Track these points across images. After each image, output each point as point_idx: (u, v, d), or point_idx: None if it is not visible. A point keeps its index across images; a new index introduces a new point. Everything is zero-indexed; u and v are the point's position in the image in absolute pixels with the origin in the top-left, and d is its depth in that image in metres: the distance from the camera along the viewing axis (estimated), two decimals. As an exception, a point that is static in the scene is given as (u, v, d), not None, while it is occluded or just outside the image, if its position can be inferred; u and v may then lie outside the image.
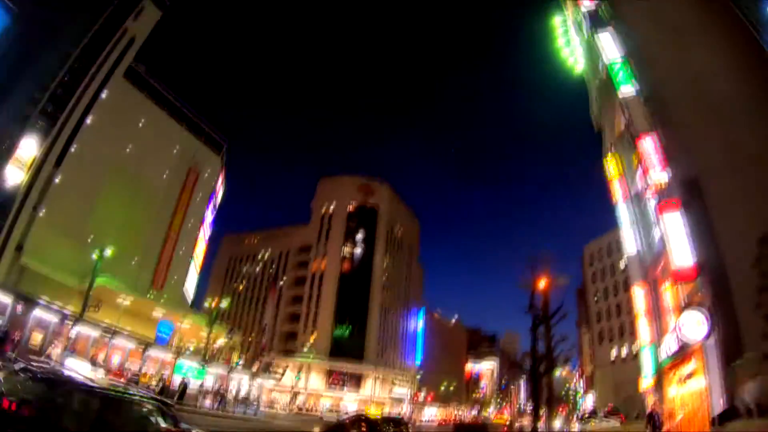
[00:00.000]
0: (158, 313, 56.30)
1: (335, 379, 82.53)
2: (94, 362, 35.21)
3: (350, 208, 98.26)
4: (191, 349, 60.33)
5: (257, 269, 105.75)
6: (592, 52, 36.99)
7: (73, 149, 53.95)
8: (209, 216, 78.80)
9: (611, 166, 38.79)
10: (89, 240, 53.90)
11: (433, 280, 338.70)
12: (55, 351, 33.67)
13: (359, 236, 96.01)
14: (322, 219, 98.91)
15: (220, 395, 44.94)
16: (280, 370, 78.22)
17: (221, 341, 67.14)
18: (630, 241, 36.11)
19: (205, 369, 45.30)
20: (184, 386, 39.29)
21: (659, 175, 22.54)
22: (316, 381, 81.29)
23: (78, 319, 37.02)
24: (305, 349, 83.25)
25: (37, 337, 34.28)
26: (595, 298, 79.15)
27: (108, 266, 51.06)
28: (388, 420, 27.45)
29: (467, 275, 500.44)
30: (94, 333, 37.21)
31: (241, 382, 51.51)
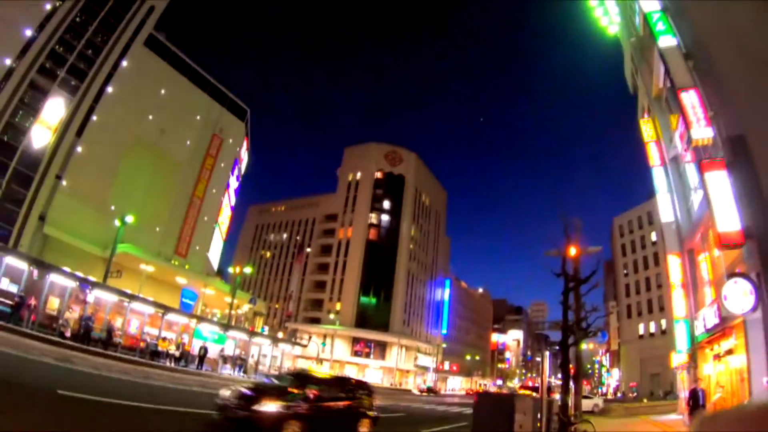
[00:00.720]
0: (182, 280, 56.60)
1: (360, 347, 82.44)
2: (111, 328, 34.87)
3: (377, 175, 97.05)
4: (217, 315, 60.93)
5: (283, 237, 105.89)
6: (627, 9, 34.76)
7: (94, 118, 53.70)
8: (234, 183, 78.43)
9: (647, 128, 36.61)
10: (112, 209, 53.80)
11: (459, 251, 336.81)
12: (72, 316, 33.42)
13: (386, 204, 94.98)
14: (349, 187, 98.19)
15: (240, 361, 44.84)
16: (306, 337, 78.56)
17: (245, 308, 67.63)
18: (666, 209, 33.95)
19: (225, 335, 45.14)
20: (203, 352, 39.22)
21: (703, 131, 20.20)
22: (340, 349, 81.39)
23: (95, 284, 36.82)
24: (331, 317, 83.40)
25: (54, 303, 34.13)
26: (625, 272, 76.67)
27: (131, 234, 51.51)
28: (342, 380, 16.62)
29: (494, 248, 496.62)
30: (112, 298, 36.83)
31: (262, 349, 51.24)
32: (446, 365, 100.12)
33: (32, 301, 32.12)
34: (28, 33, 47.15)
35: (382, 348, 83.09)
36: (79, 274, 38.79)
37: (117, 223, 42.53)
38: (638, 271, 73.62)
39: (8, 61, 45.76)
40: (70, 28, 51.04)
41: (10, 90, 46.05)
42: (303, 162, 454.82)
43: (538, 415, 15.66)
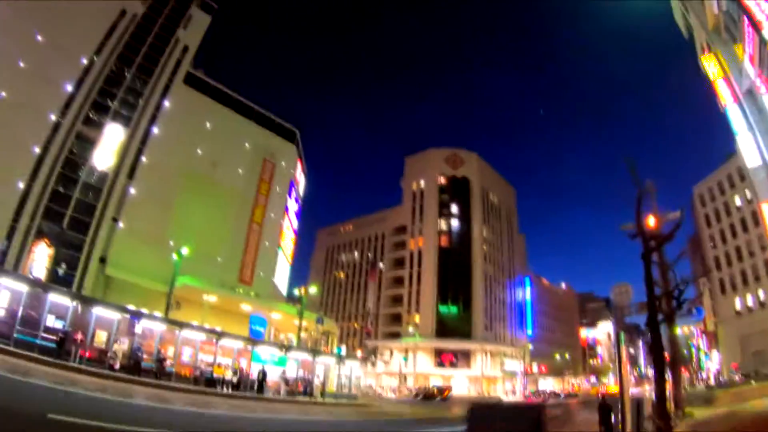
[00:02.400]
0: (246, 307, 56.55)
1: (443, 358, 79.17)
2: (162, 357, 34.40)
3: (441, 181, 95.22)
4: (293, 342, 60.41)
5: (355, 256, 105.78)
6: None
7: (144, 160, 55.46)
8: (293, 205, 78.61)
9: (711, 64, 32.02)
10: (171, 244, 54.82)
11: (536, 247, 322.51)
12: (121, 348, 33.25)
13: (454, 209, 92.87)
14: (414, 197, 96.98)
15: (305, 382, 43.31)
16: (387, 354, 76.62)
17: (331, 332, 66.88)
18: (750, 151, 29.40)
19: (286, 356, 43.87)
20: (262, 375, 37.92)
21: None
22: (423, 362, 78.58)
23: (142, 315, 36.85)
24: (410, 330, 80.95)
25: (101, 336, 34.28)
26: (712, 244, 68.55)
27: (192, 267, 52.03)
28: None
29: (572, 238, 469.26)
30: (161, 328, 36.63)
31: (329, 368, 49.48)
32: (534, 367, 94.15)
33: (79, 336, 32.30)
34: (69, 88, 49.58)
35: (466, 356, 79.44)
36: (131, 306, 39.29)
37: (174, 256, 43.17)
38: (727, 241, 66.94)
39: (53, 117, 48.23)
40: (108, 78, 53.38)
41: (59, 143, 48.47)
42: (366, 177, 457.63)
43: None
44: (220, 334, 40.85)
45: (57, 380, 20.76)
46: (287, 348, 45.25)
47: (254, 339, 45.14)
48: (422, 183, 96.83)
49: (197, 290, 52.18)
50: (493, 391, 77.46)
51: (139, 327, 36.50)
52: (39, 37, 47.68)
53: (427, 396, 63.50)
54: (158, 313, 40.63)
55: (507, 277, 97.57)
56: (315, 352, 49.24)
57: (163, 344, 37.61)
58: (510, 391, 75.08)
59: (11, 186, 44.99)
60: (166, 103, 58.34)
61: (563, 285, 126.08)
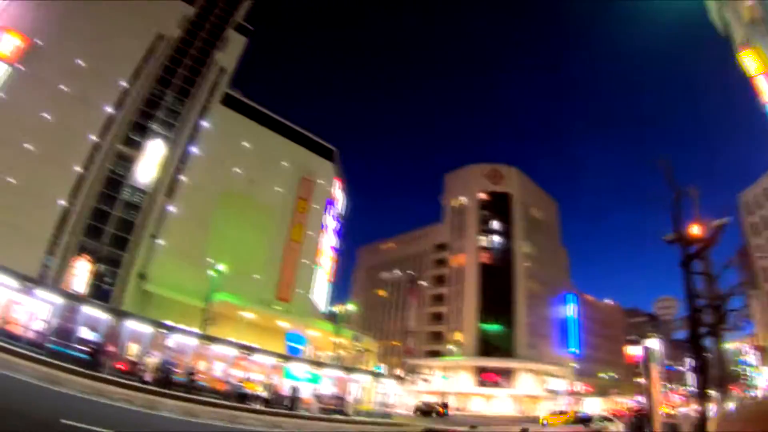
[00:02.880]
0: (283, 323, 56.20)
1: (485, 377, 76.53)
2: (192, 371, 34.17)
3: (481, 197, 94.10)
4: (329, 357, 59.61)
5: (396, 274, 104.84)
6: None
7: (182, 179, 56.55)
8: (332, 223, 78.30)
9: (751, 59, 30.18)
10: (209, 261, 55.30)
11: (579, 264, 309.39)
12: (153, 361, 33.30)
13: (495, 225, 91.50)
14: (454, 213, 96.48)
15: (338, 400, 42.31)
16: (428, 372, 74.78)
17: (369, 350, 65.80)
18: None
19: (320, 373, 43.06)
20: (294, 392, 37.27)
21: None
22: (465, 381, 76.19)
23: (174, 329, 36.92)
24: (451, 349, 78.91)
25: (133, 349, 34.55)
26: (760, 255, 64.25)
27: (230, 284, 52.32)
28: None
29: (615, 253, 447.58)
30: (192, 342, 36.60)
31: (364, 386, 48.30)
32: (578, 386, 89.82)
33: (111, 348, 32.57)
34: (109, 110, 51.23)
35: (508, 375, 76.51)
36: (169, 322, 39.54)
37: (212, 273, 43.48)
38: (777, 251, 61.63)
39: (94, 138, 49.81)
40: (147, 100, 55.10)
41: (99, 163, 50.01)
42: (406, 195, 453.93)
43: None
44: (252, 350, 40.54)
45: (84, 389, 20.76)
46: (320, 365, 44.49)
47: (288, 355, 44.49)
48: (462, 199, 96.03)
49: (234, 306, 52.37)
50: (536, 411, 74.37)
51: (171, 341, 36.66)
52: (80, 62, 49.60)
53: (425, 412, 61.65)
54: (192, 328, 40.66)
55: (550, 294, 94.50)
56: (349, 369, 48.23)
57: (195, 359, 37.58)
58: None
59: (53, 204, 46.48)
60: (204, 124, 59.63)
61: (608, 301, 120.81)
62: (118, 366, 31.35)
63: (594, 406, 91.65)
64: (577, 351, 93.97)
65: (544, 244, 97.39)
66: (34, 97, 46.28)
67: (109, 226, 50.23)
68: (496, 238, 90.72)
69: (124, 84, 52.94)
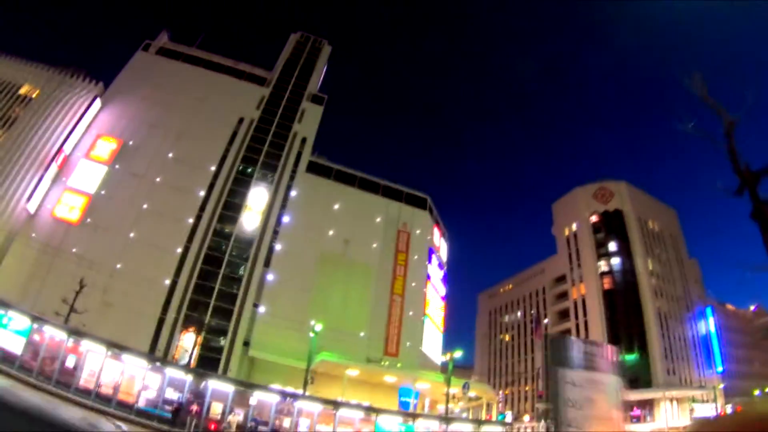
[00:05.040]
0: (390, 378, 54.79)
1: (624, 412, 67.45)
2: (276, 429, 34.07)
3: (592, 220, 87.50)
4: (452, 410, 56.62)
5: (518, 315, 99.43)
6: None
7: (278, 247, 59.37)
8: (436, 272, 76.57)
9: None
10: (311, 324, 56.36)
11: (713, 272, 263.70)
12: (236, 419, 33.78)
13: (612, 247, 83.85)
14: (568, 242, 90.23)
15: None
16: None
17: (472, 395, 61.70)
18: None
19: (413, 425, 40.46)
20: None
21: None
22: (604, 420, 67.34)
23: (255, 386, 37.32)
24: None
25: (217, 408, 35.27)
26: None
27: (335, 344, 53.10)
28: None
29: (752, 254, 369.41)
30: (274, 399, 36.62)
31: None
32: (729, 409, 74.55)
33: (194, 407, 33.75)
34: (201, 194, 56.25)
35: (647, 408, 66.89)
36: (276, 385, 40.24)
37: (312, 335, 44.44)
38: None
39: (191, 220, 54.70)
40: (236, 179, 59.72)
41: (198, 241, 54.53)
42: (516, 232, 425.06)
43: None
44: (338, 404, 39.46)
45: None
46: (414, 416, 41.87)
47: (374, 408, 42.34)
48: (574, 227, 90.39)
49: (336, 365, 52.12)
50: None
51: (254, 399, 36.98)
52: (170, 155, 55.67)
53: None
54: (277, 386, 40.92)
55: (684, 310, 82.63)
56: (447, 419, 44.80)
57: (279, 416, 37.40)
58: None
59: (160, 284, 51.00)
60: (293, 193, 62.69)
61: (753, 308, 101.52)
62: (210, 426, 32.23)
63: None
64: (722, 369, 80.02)
65: (669, 257, 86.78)
66: (132, 190, 52.64)
67: (213, 299, 53.66)
68: (616, 261, 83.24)
69: (212, 168, 58.06)
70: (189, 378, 35.09)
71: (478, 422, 48.13)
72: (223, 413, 35.07)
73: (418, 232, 72.70)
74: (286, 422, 37.51)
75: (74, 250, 50.20)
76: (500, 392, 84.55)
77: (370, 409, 40.89)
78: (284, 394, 38.45)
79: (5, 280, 47.04)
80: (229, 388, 36.17)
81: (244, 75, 69.08)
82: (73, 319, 41.26)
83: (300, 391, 42.00)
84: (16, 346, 30.07)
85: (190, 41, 72.96)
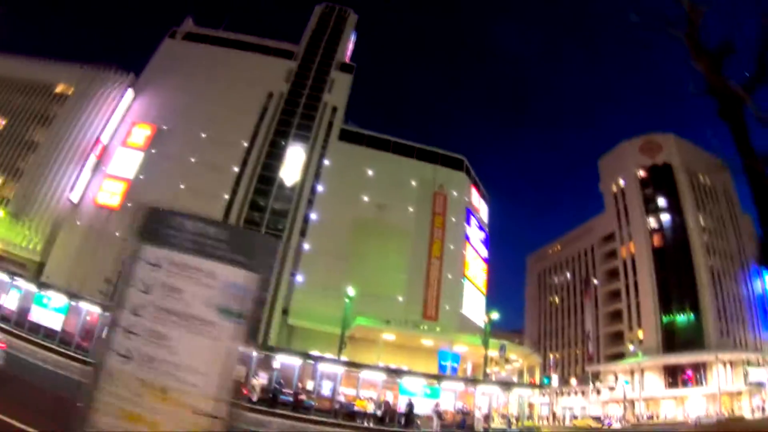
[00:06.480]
0: (427, 341, 55.73)
1: (676, 376, 65.57)
2: (298, 391, 35.91)
3: (640, 175, 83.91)
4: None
5: (567, 277, 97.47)
6: None
7: (313, 216, 61.13)
8: (476, 233, 76.03)
9: None
10: (348, 290, 58.05)
11: None
12: (260, 381, 35.53)
13: (661, 202, 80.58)
14: (616, 199, 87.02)
15: (462, 414, 39.89)
16: (612, 379, 67.25)
17: (518, 361, 61.93)
18: None
19: (440, 387, 41.37)
20: (409, 408, 36.42)
21: None
22: (652, 383, 66.31)
23: (278, 350, 39.40)
24: (632, 349, 69.64)
25: (240, 371, 37.30)
26: None
27: (373, 309, 54.84)
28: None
29: None
30: (297, 362, 38.51)
31: (495, 399, 44.64)
32: None
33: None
34: (236, 170, 58.76)
35: (700, 371, 64.49)
36: (315, 351, 42.23)
37: (347, 301, 46.29)
38: None
39: (227, 196, 57.52)
40: (269, 153, 61.58)
41: (235, 213, 57.38)
42: (563, 191, 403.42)
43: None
44: (360, 367, 40.87)
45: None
46: (440, 378, 42.75)
47: (395, 371, 43.33)
48: (621, 182, 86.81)
49: (371, 329, 53.52)
50: (738, 410, 60.46)
51: (277, 362, 39.01)
52: (203, 135, 58.24)
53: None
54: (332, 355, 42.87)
55: (738, 269, 77.70)
56: (474, 381, 45.47)
57: (302, 378, 39.18)
58: (758, 408, 57.28)
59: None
60: (326, 162, 63.85)
61: None
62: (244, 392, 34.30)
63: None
64: None
65: (721, 213, 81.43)
66: (169, 172, 55.73)
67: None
68: (665, 217, 79.61)
69: (245, 144, 60.18)
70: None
71: (508, 384, 48.54)
72: (247, 376, 37.39)
73: (455, 193, 72.00)
74: (310, 384, 39.45)
75: (117, 233, 54.35)
76: (552, 356, 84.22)
77: (392, 371, 42.16)
78: (307, 356, 40.34)
79: (54, 267, 51.83)
80: (252, 353, 38.38)
81: (271, 50, 70.10)
82: (117, 297, 44.79)
83: (327, 355, 43.89)
84: (55, 322, 33.57)
85: (215, 24, 75.12)
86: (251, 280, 5.20)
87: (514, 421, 45.46)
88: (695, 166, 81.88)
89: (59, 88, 64.54)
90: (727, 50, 9.35)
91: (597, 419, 64.83)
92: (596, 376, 71.99)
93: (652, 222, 79.76)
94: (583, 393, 75.90)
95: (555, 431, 62.05)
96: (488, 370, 54.77)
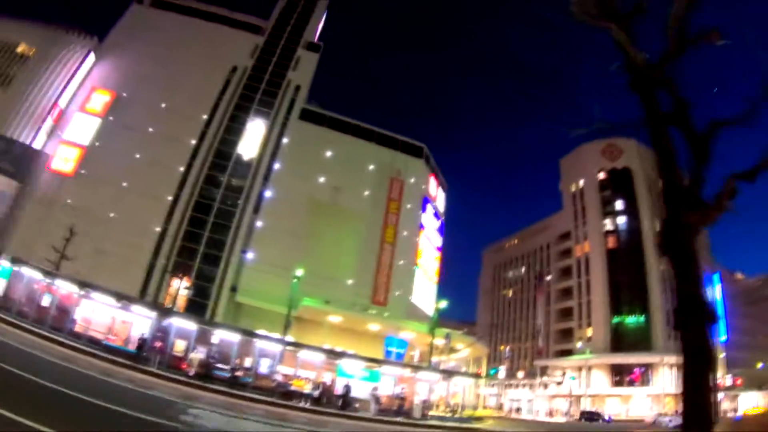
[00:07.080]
0: (374, 326, 55.89)
1: (621, 375, 67.60)
2: (235, 367, 35.62)
3: (600, 177, 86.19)
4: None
5: (522, 272, 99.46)
6: None
7: (267, 194, 60.37)
8: (431, 222, 76.19)
9: None
10: (298, 272, 57.60)
11: (723, 239, 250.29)
12: (197, 356, 35.18)
13: (618, 205, 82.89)
14: (574, 199, 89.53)
15: (400, 401, 40.01)
16: (558, 374, 68.65)
17: (464, 350, 62.55)
18: None
19: (379, 371, 41.50)
20: (347, 390, 36.27)
21: None
22: (598, 381, 68.01)
23: (217, 325, 39.04)
24: (579, 346, 71.45)
25: (180, 345, 36.96)
26: None
27: (321, 290, 54.38)
28: None
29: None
30: (236, 338, 38.22)
31: (433, 386, 44.96)
32: (728, 380, 72.74)
33: (158, 344, 35.66)
34: (193, 142, 57.66)
35: (646, 372, 66.55)
36: (262, 331, 41.78)
37: (295, 281, 45.84)
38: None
39: (182, 169, 56.37)
40: (228, 127, 60.57)
41: (189, 189, 56.29)
42: (524, 187, 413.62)
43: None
44: (299, 346, 40.65)
45: (136, 382, 22.83)
46: (381, 362, 42.89)
47: (335, 352, 43.31)
48: (581, 183, 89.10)
49: (319, 311, 53.38)
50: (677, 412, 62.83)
51: (216, 337, 38.64)
52: (163, 105, 57.03)
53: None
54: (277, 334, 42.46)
55: None
56: (415, 367, 45.78)
57: (241, 355, 38.86)
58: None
59: (151, 231, 53.18)
60: (285, 140, 63.03)
61: (762, 276, 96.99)
62: (166, 361, 33.91)
63: (750, 401, 74.22)
64: (725, 338, 77.82)
65: None
66: (125, 141, 54.34)
67: (202, 245, 55.67)
68: (621, 220, 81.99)
69: (204, 117, 59.03)
70: (153, 315, 36.94)
71: (449, 373, 48.92)
72: (186, 350, 37.02)
73: (412, 180, 71.49)
74: (247, 362, 39.14)
75: (68, 201, 52.82)
76: (502, 348, 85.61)
77: (331, 352, 42.08)
78: (246, 333, 39.96)
79: (1, 231, 50.17)
80: (192, 327, 37.96)
81: (239, 24, 68.75)
82: (65, 266, 43.33)
83: (273, 334, 43.52)
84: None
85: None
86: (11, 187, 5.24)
87: (459, 410, 45.78)
88: (654, 172, 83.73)
89: (21, 48, 62.29)
90: (638, 11, 9.30)
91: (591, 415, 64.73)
92: (544, 371, 73.81)
93: (608, 224, 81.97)
94: (530, 386, 77.62)
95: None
96: (435, 359, 55.25)
